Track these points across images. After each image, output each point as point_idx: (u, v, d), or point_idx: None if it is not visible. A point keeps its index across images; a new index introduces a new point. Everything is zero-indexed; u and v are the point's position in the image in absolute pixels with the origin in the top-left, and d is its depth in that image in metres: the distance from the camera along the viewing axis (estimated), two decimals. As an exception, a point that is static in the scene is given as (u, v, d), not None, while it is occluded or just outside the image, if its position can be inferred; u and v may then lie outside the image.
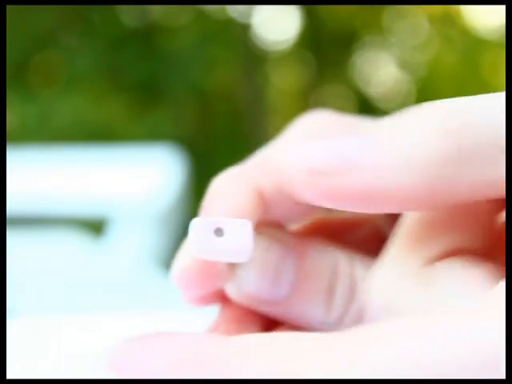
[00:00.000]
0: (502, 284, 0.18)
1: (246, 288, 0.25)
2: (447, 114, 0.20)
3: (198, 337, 0.19)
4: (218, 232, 0.22)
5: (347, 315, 0.26)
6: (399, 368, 0.17)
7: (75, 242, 0.85)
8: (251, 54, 3.26)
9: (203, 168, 2.07)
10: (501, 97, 0.20)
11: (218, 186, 0.25)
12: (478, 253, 0.21)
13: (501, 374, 0.17)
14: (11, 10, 2.56)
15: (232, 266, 0.25)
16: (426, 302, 0.20)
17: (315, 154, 0.21)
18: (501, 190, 0.20)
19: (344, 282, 0.27)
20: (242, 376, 0.18)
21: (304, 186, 0.21)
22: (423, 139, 0.19)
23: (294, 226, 0.28)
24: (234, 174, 0.26)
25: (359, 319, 0.26)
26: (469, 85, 3.37)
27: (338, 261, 0.27)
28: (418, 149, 0.19)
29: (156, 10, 3.22)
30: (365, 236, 0.28)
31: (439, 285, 0.20)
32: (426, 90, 3.42)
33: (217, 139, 3.18)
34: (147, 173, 1.19)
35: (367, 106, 3.31)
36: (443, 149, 0.19)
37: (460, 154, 0.19)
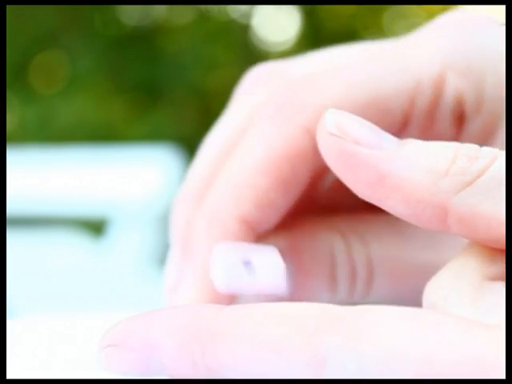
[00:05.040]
0: None
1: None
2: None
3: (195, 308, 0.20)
4: (248, 265, 0.21)
5: (355, 292, 0.28)
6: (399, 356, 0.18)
7: (75, 242, 0.85)
8: (251, 55, 3.26)
9: (203, 168, 2.06)
10: None
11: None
12: None
13: None
14: (11, 10, 2.56)
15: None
16: (469, 312, 0.20)
17: (352, 122, 0.22)
18: None
19: (344, 269, 0.28)
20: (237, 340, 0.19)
21: (328, 141, 0.22)
22: (439, 163, 0.21)
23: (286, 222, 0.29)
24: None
25: (367, 292, 0.28)
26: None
27: (334, 251, 0.28)
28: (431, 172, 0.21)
29: (157, 10, 3.22)
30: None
31: (488, 302, 0.20)
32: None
33: (217, 139, 3.18)
34: (148, 173, 1.19)
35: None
36: (454, 180, 0.21)
37: (476, 188, 0.21)
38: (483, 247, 0.22)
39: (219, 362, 0.19)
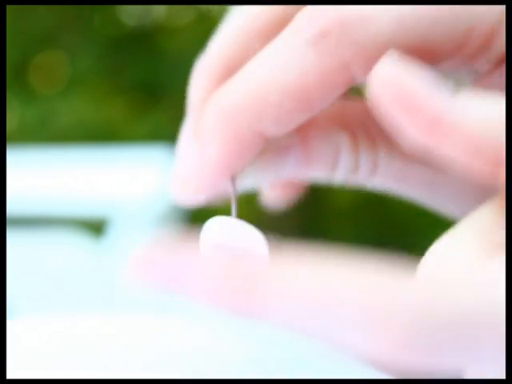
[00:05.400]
0: None
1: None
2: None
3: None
4: (233, 247, 0.21)
5: (355, 178, 0.29)
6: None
7: (75, 242, 0.85)
8: (251, 55, 3.26)
9: (203, 168, 2.06)
10: None
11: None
12: None
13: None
14: (11, 10, 2.56)
15: None
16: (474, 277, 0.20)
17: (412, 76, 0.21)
18: None
19: (347, 157, 0.29)
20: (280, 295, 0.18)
21: (385, 81, 0.21)
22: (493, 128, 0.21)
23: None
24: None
25: (369, 181, 0.29)
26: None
27: (341, 142, 0.28)
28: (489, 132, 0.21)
29: (157, 10, 3.22)
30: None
31: (493, 270, 0.20)
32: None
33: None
34: (148, 173, 1.19)
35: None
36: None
37: None
38: (485, 216, 0.22)
39: (264, 307, 0.18)
